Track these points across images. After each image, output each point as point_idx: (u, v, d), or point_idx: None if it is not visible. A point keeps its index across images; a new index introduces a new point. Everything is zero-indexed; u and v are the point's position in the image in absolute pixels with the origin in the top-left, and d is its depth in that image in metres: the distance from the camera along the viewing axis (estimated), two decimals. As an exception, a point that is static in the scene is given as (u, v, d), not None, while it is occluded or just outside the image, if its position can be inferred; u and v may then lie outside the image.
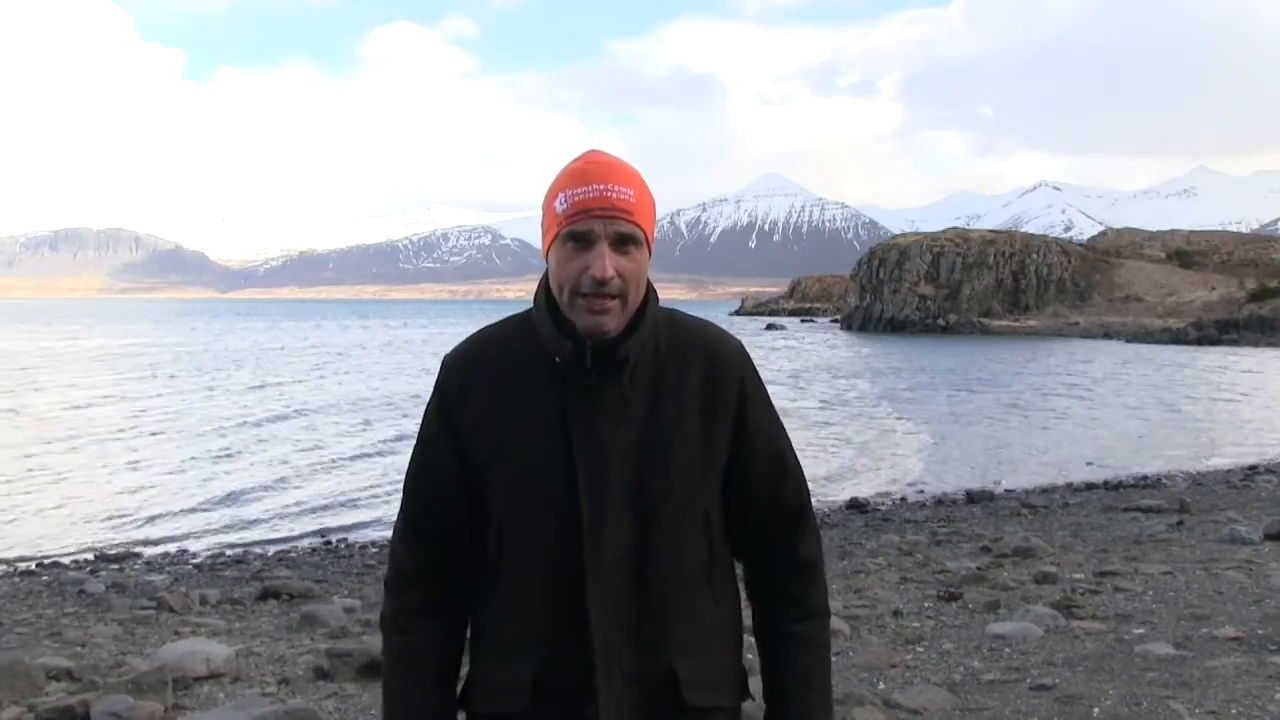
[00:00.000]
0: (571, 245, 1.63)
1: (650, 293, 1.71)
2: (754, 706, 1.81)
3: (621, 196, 1.64)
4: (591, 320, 1.63)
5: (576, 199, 1.63)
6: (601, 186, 1.63)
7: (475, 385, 1.71)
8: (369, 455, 18.75)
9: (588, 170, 1.66)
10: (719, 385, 1.71)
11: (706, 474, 1.71)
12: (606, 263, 1.61)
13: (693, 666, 1.69)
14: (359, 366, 44.33)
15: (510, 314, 1.80)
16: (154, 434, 21.36)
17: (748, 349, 1.80)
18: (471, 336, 1.79)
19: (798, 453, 1.86)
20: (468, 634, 1.79)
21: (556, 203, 1.65)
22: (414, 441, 1.80)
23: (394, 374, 39.78)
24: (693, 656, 1.69)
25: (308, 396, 30.15)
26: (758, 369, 1.80)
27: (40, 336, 75.35)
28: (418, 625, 1.74)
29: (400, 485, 1.82)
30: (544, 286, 1.72)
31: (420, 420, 1.80)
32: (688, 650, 1.69)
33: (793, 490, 1.79)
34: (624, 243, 1.64)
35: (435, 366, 1.79)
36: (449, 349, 1.81)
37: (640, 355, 1.68)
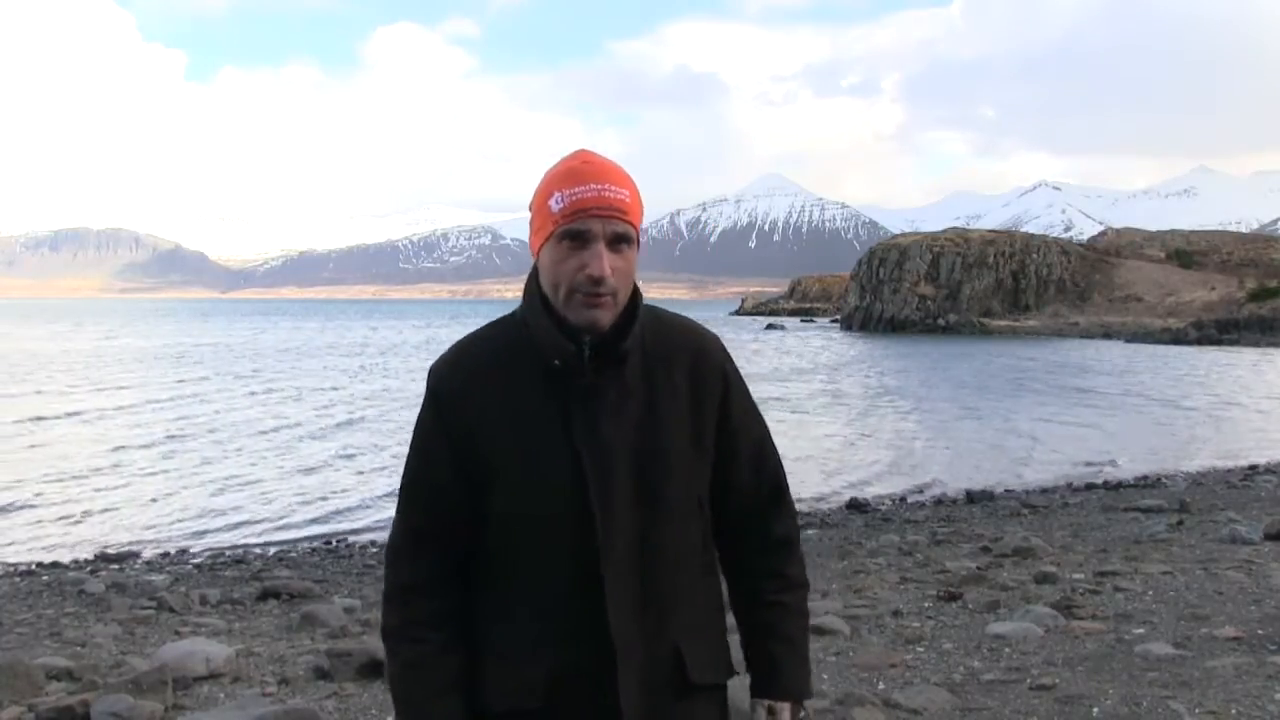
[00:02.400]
0: (568, 243, 1.67)
1: (636, 290, 1.75)
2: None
3: (618, 196, 1.68)
4: (588, 315, 1.67)
5: (574, 198, 1.66)
6: (599, 186, 1.67)
7: (470, 390, 1.73)
8: (372, 455, 18.76)
9: (583, 170, 1.69)
10: (705, 379, 1.78)
11: (699, 463, 1.77)
12: (604, 262, 1.65)
13: (695, 647, 1.77)
14: (389, 367, 44.29)
15: (493, 319, 1.82)
16: (170, 436, 21.30)
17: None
18: (458, 343, 1.81)
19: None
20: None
21: (552, 201, 1.68)
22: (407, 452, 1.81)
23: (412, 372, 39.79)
24: (694, 638, 1.77)
25: (320, 397, 30.15)
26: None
27: (73, 337, 75.09)
28: (428, 635, 1.74)
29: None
30: (537, 287, 1.74)
31: (412, 437, 1.79)
32: (690, 632, 1.76)
33: (772, 474, 1.87)
34: (618, 242, 1.68)
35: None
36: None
37: (635, 352, 1.73)
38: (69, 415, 24.19)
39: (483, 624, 1.76)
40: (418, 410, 1.81)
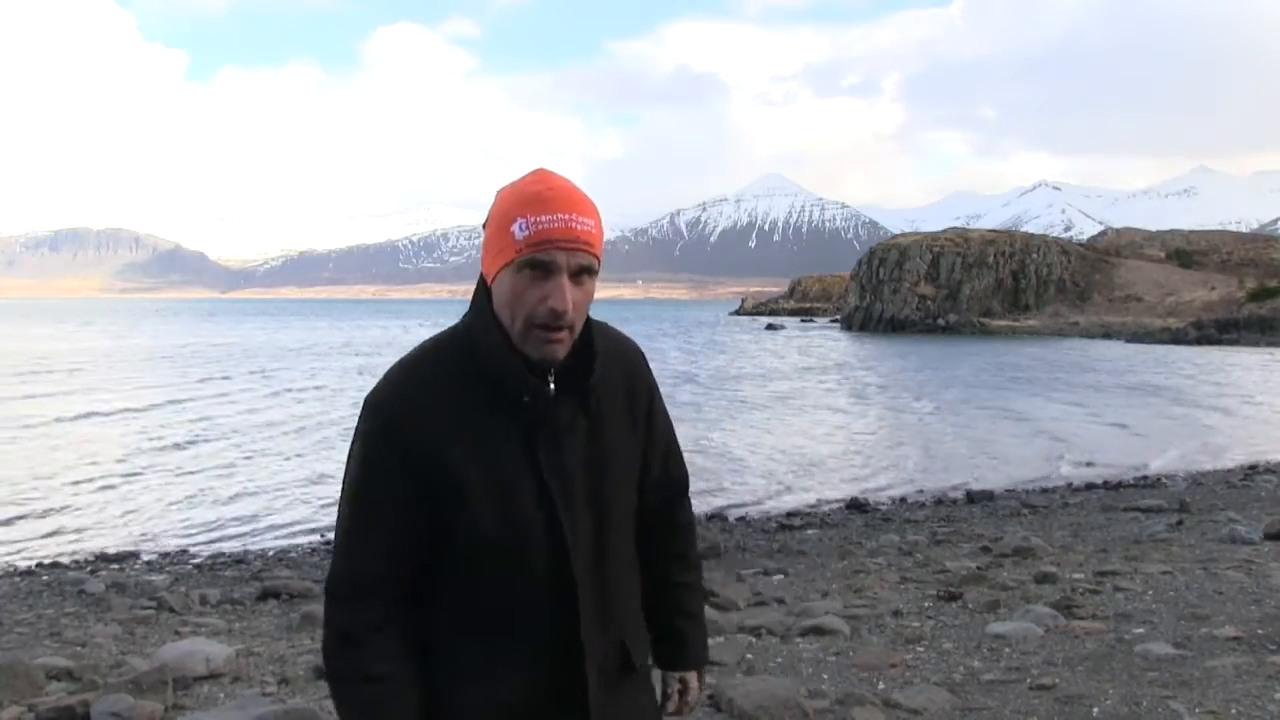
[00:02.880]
0: (530, 273, 1.63)
1: (588, 318, 1.75)
2: None
3: (584, 228, 1.64)
4: (545, 350, 1.66)
5: (541, 227, 1.62)
6: (566, 216, 1.63)
7: (422, 411, 1.66)
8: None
9: (549, 196, 1.64)
10: (637, 391, 1.85)
11: (635, 471, 1.84)
12: (567, 296, 1.63)
13: (636, 638, 1.88)
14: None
15: (430, 336, 1.78)
16: (193, 436, 21.25)
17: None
18: (399, 365, 1.73)
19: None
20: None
21: (515, 227, 1.62)
22: (350, 486, 1.71)
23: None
24: (634, 629, 1.89)
25: (341, 397, 29.98)
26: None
27: (83, 337, 74.79)
28: (389, 670, 1.67)
29: None
30: (489, 313, 1.69)
31: (354, 464, 1.70)
32: (631, 625, 1.87)
33: (679, 469, 1.98)
34: (580, 273, 1.65)
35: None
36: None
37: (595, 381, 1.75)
38: (89, 415, 24.14)
39: (446, 646, 1.73)
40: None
